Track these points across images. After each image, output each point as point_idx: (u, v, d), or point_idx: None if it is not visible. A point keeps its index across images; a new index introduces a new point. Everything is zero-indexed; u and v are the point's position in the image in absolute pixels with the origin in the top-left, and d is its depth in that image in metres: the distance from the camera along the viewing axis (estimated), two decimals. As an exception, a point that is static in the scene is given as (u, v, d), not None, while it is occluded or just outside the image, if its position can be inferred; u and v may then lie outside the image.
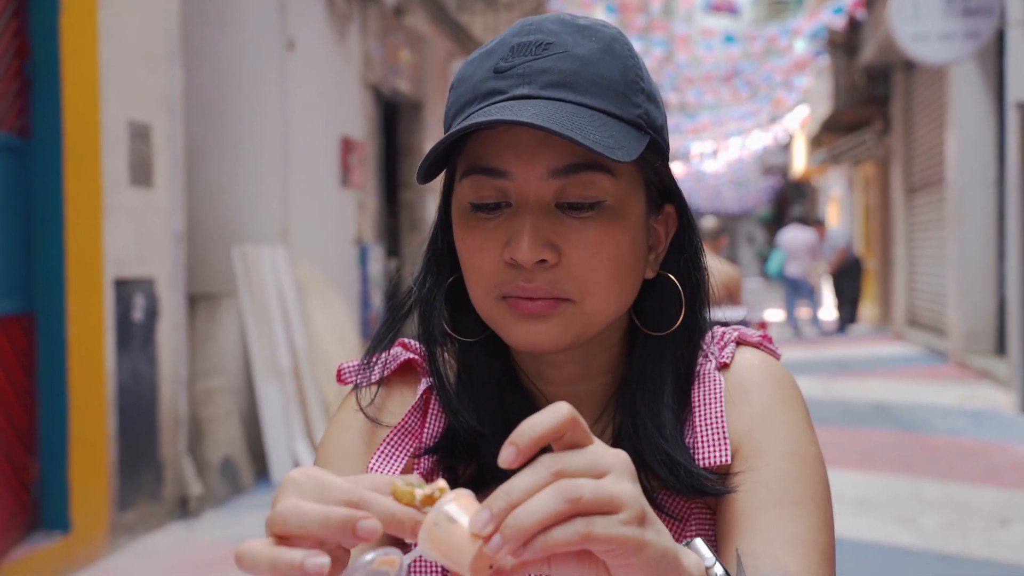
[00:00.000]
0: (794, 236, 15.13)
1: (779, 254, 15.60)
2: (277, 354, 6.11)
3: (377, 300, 8.25)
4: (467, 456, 0.94)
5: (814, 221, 17.83)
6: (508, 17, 12.85)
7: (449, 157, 0.90)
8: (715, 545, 0.91)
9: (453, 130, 0.84)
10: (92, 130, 4.41)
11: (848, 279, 15.51)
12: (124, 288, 4.60)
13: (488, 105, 0.85)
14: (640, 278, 0.91)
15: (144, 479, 4.73)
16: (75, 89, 4.31)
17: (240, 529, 4.88)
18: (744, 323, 1.04)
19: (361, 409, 0.96)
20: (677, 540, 0.89)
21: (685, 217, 0.95)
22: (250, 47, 6.54)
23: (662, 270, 0.94)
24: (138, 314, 4.71)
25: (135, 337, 4.69)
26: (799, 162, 24.49)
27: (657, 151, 0.90)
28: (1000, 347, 10.01)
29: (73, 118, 4.29)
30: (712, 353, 0.96)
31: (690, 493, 0.89)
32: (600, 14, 13.12)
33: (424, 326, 0.96)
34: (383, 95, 8.71)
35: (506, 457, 0.60)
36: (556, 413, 0.61)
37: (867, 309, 17.08)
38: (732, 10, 12.42)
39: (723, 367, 0.95)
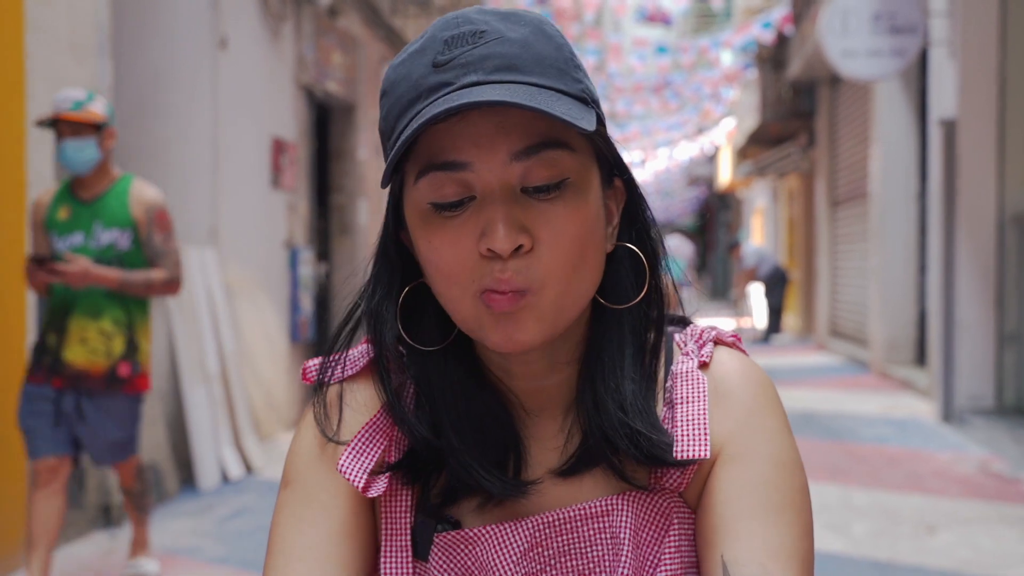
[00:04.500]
0: (676, 246, 15.46)
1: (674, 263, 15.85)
2: (205, 358, 5.96)
3: (307, 303, 8.12)
4: (436, 467, 0.92)
5: (730, 244, 18.23)
6: (441, 22, 12.82)
7: (397, 161, 0.87)
8: (695, 549, 0.91)
9: (416, 126, 0.81)
10: (17, 126, 4.25)
11: (772, 290, 15.79)
12: (48, 288, 4.43)
13: (438, 98, 0.83)
14: (603, 255, 0.90)
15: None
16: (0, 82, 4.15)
17: (164, 537, 4.75)
18: None
19: (328, 438, 0.94)
20: (655, 532, 0.90)
21: (634, 189, 0.95)
22: (181, 44, 6.39)
23: (618, 242, 0.94)
24: (62, 315, 4.55)
25: (58, 339, 4.52)
26: (725, 173, 24.87)
27: (602, 124, 0.91)
28: (920, 358, 10.26)
29: (-3, 111, 4.13)
30: (691, 351, 0.95)
31: (651, 462, 0.88)
32: (534, 22, 13.12)
33: (376, 339, 0.93)
34: (315, 97, 8.60)
35: None
36: None
37: (790, 319, 17.38)
38: (667, 21, 12.54)
39: (703, 366, 0.94)
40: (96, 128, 3.62)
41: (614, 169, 0.93)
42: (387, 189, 0.91)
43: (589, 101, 0.87)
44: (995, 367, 7.41)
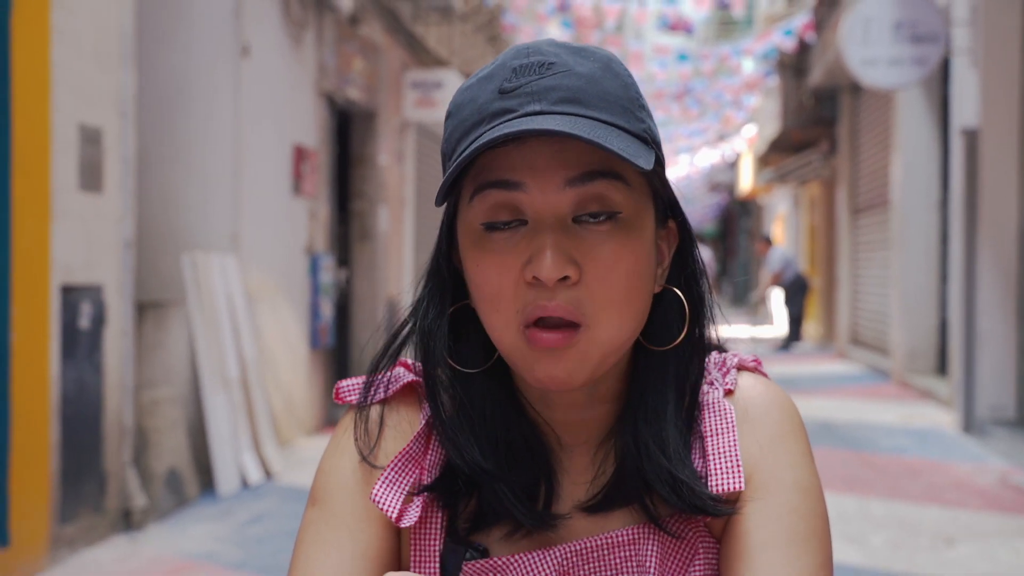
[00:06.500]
0: None
1: None
2: (225, 364, 6.01)
3: (327, 310, 8.16)
4: (467, 491, 0.92)
5: (761, 237, 18.12)
6: (462, 28, 12.84)
7: (454, 182, 0.88)
8: None
9: (475, 147, 0.83)
10: (41, 133, 4.30)
11: (792, 297, 15.72)
12: (71, 295, 4.49)
13: (500, 123, 0.84)
14: (651, 295, 0.91)
15: (87, 490, 4.61)
16: (25, 90, 4.20)
17: (185, 542, 4.79)
18: None
19: (363, 458, 0.94)
20: (680, 562, 0.91)
21: (687, 232, 0.96)
22: (204, 51, 6.45)
23: (666, 285, 0.94)
24: (84, 321, 4.60)
25: (81, 345, 4.58)
26: (746, 180, 24.78)
27: (660, 165, 0.91)
28: (941, 367, 10.19)
29: (22, 120, 4.18)
30: (716, 379, 0.96)
31: (692, 511, 0.89)
32: (555, 29, 13.16)
33: (426, 357, 0.94)
34: (336, 104, 8.65)
35: None
36: None
37: (811, 327, 17.30)
38: (688, 29, 12.53)
39: (728, 394, 0.95)
40: None
41: (668, 210, 0.94)
42: (442, 208, 0.92)
43: (650, 141, 0.88)
44: (1017, 377, 7.36)
